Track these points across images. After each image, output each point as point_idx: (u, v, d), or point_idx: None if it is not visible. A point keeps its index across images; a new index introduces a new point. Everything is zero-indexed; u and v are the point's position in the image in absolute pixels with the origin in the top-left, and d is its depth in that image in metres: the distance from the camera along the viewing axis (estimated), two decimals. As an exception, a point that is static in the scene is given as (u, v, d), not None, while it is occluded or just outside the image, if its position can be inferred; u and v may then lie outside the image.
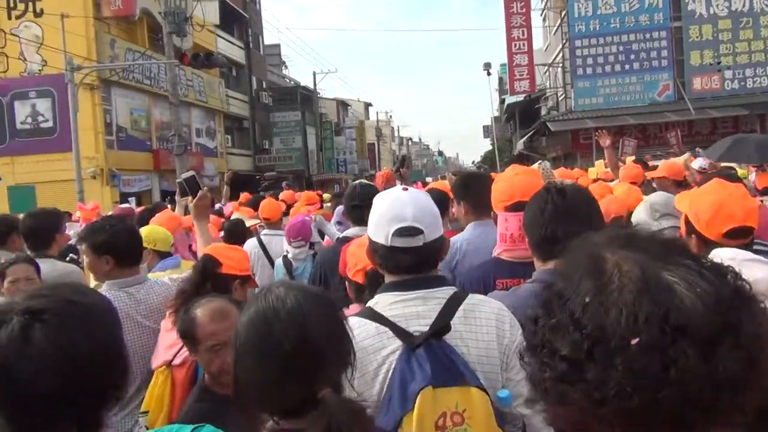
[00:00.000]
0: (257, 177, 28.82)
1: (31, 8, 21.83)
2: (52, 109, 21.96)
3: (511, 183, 2.46)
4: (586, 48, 25.79)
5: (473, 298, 1.86)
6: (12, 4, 21.91)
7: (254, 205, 7.34)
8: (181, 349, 2.45)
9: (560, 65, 28.12)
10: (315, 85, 42.39)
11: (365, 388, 1.70)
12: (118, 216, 5.20)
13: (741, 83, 25.34)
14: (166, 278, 3.11)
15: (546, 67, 31.58)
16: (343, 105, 54.15)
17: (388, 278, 1.90)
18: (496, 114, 69.80)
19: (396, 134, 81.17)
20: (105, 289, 2.88)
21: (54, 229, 4.29)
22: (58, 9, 19.49)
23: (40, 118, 22.14)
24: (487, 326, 1.80)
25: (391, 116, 75.66)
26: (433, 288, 1.83)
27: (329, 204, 9.06)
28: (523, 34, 26.81)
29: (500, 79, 65.68)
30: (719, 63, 25.39)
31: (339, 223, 6.51)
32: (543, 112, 34.03)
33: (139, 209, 8.80)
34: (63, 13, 18.89)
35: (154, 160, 24.76)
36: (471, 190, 3.47)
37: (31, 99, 22.04)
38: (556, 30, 29.63)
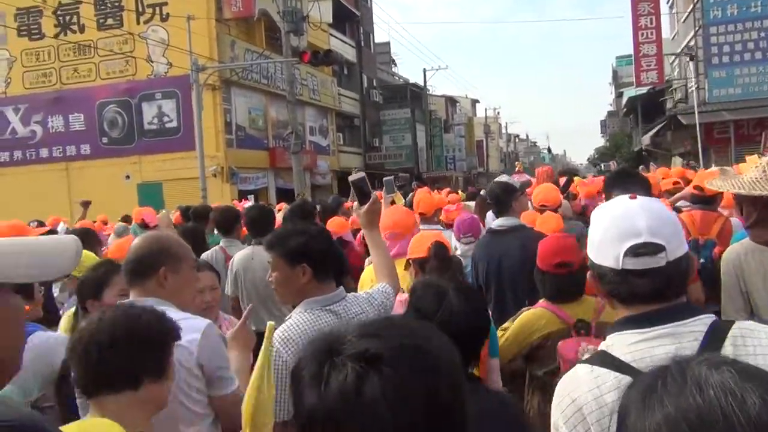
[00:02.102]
0: (394, 176, 28.83)
1: (158, 12, 22.59)
2: (176, 109, 22.68)
3: None
4: (722, 35, 23.85)
5: (741, 326, 1.46)
6: (140, 9, 22.76)
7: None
8: None
9: (692, 54, 26.21)
10: (425, 82, 42.00)
11: None
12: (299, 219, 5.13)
13: None
14: (362, 293, 2.63)
15: (674, 57, 29.58)
16: (451, 102, 53.44)
17: (623, 312, 1.52)
18: (611, 108, 67.00)
19: (504, 131, 79.50)
20: (302, 310, 2.40)
21: (272, 221, 5.12)
22: (183, 12, 20.02)
23: (165, 119, 22.92)
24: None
25: (498, 113, 74.18)
26: (686, 319, 1.45)
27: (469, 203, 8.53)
28: (651, 23, 25.17)
29: (614, 72, 62.94)
30: None
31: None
32: (668, 105, 31.98)
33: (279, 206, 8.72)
34: (189, 15, 19.33)
35: (270, 157, 25.12)
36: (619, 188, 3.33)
37: (157, 100, 22.86)
38: (687, 17, 27.65)
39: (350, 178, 2.70)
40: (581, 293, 2.89)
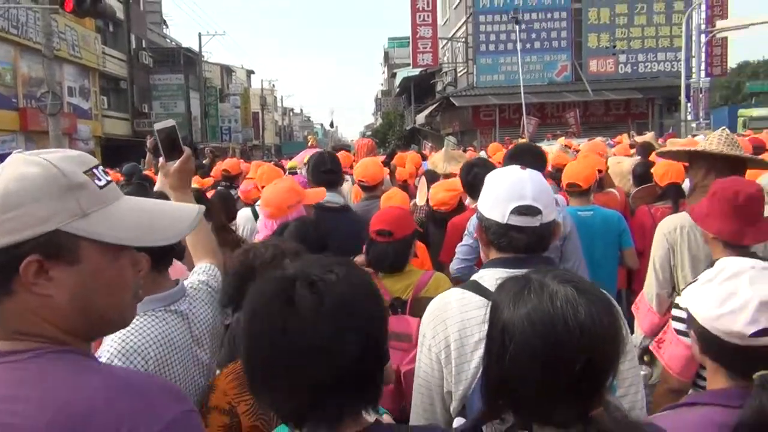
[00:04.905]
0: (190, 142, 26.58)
1: None
2: None
3: None
4: (490, 24, 25.64)
5: None
6: None
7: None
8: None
9: (463, 40, 27.84)
10: (200, 47, 39.83)
11: (464, 361, 1.71)
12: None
13: (633, 67, 26.25)
14: (196, 281, 2.03)
15: (445, 42, 31.24)
16: (227, 71, 51.43)
17: (495, 255, 1.87)
18: (383, 88, 69.48)
19: (279, 104, 78.69)
20: (138, 311, 1.74)
21: None
22: None
23: None
24: None
25: (274, 85, 73.13)
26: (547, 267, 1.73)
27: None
28: (428, 5, 26.25)
29: (386, 54, 65.36)
30: (614, 47, 26.11)
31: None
32: (439, 87, 33.83)
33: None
34: None
35: (21, 119, 22.02)
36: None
37: None
38: (458, 4, 29.30)
39: (156, 126, 2.08)
40: (403, 265, 2.90)
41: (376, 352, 1.21)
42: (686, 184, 4.19)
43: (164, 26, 43.08)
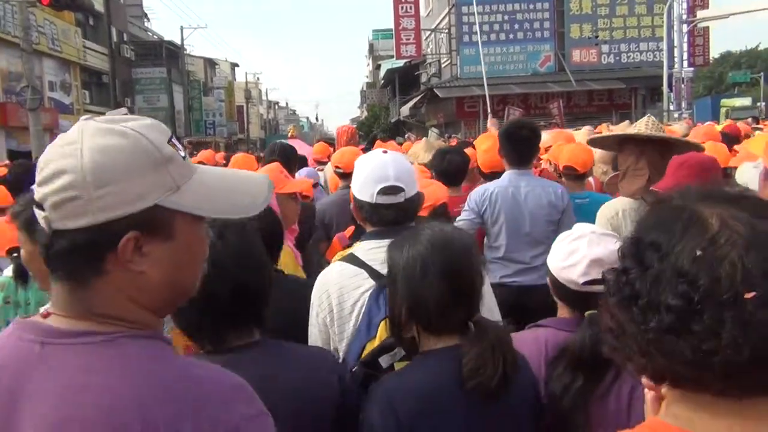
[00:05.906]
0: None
1: None
2: None
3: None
4: (473, 15, 25.57)
5: None
6: None
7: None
8: None
9: (446, 31, 27.81)
10: (182, 40, 39.52)
11: (344, 321, 2.00)
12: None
13: (616, 57, 26.32)
14: None
15: (429, 33, 31.16)
16: (210, 64, 51.07)
17: (369, 229, 2.14)
18: (368, 80, 69.28)
19: (264, 98, 78.29)
20: None
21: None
22: None
23: None
24: None
25: (258, 78, 72.71)
26: None
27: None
28: (410, -3, 26.14)
29: (371, 45, 65.15)
30: (597, 37, 26.17)
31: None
32: (423, 79, 33.77)
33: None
34: None
35: (1, 114, 21.77)
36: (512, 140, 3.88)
37: None
38: (441, -5, 29.23)
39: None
40: None
41: (247, 294, 1.53)
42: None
43: (145, 19, 42.70)
